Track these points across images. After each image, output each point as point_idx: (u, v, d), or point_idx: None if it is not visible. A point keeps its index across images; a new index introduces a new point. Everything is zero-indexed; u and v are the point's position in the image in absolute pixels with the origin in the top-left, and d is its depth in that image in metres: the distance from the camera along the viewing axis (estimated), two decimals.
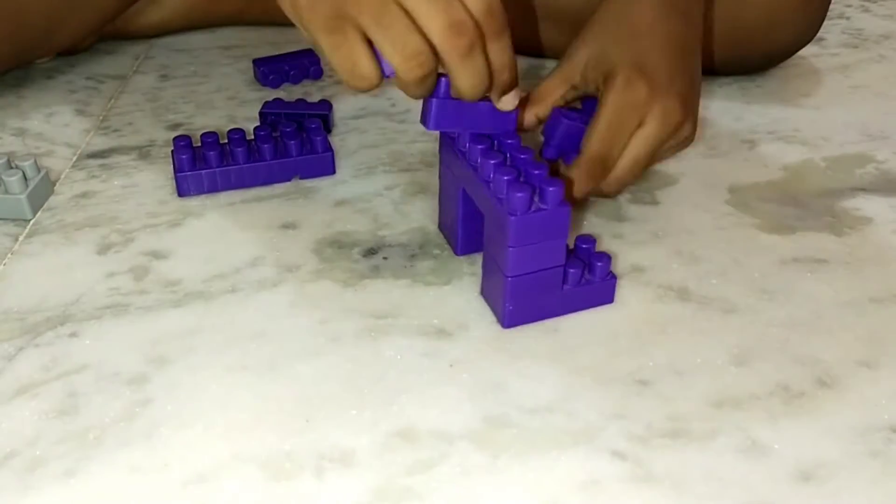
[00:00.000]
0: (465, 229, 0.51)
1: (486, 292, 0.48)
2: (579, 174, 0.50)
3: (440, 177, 0.52)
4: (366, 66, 0.42)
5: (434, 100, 0.45)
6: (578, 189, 0.50)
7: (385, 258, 0.52)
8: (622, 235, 0.54)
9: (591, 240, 0.48)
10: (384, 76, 0.43)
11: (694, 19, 0.55)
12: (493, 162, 0.45)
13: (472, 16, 0.41)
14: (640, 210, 0.57)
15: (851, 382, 0.43)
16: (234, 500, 0.37)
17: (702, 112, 0.70)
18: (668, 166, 0.62)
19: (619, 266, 0.51)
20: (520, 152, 0.46)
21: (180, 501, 0.37)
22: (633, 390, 0.43)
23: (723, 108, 0.71)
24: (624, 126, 0.50)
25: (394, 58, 0.41)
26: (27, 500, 0.37)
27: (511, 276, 0.45)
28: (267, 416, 0.41)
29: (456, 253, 0.52)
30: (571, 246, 0.48)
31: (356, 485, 0.38)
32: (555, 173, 0.51)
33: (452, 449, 0.39)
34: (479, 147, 0.46)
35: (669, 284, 0.50)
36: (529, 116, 0.54)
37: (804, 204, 0.58)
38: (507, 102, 0.46)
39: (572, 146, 0.52)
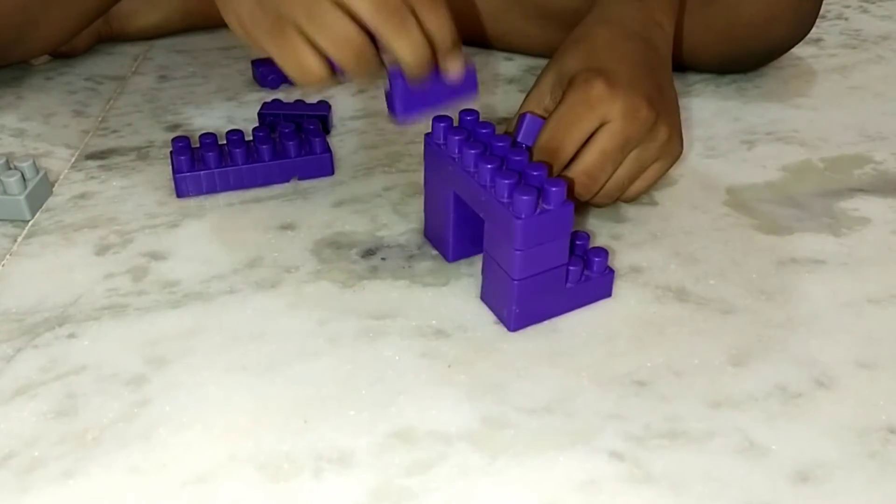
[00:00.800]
0: (457, 236, 0.51)
1: (487, 296, 0.48)
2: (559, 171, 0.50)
3: (425, 184, 0.52)
4: (312, 62, 0.44)
5: (394, 90, 0.46)
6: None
7: (383, 259, 0.52)
8: (621, 236, 0.54)
9: (584, 236, 0.49)
10: (336, 72, 0.45)
11: (656, 46, 0.56)
12: (490, 166, 0.45)
13: None
14: (639, 211, 0.57)
15: (849, 383, 0.43)
16: (232, 500, 0.37)
17: (700, 112, 0.70)
18: None
19: (617, 267, 0.51)
20: (514, 154, 0.46)
21: (179, 502, 0.37)
22: (631, 391, 0.43)
23: (721, 108, 0.71)
24: (578, 119, 0.50)
25: (329, 48, 0.43)
26: (26, 501, 0.37)
27: (518, 280, 0.45)
28: (265, 417, 0.41)
29: (448, 259, 0.52)
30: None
31: (354, 485, 0.38)
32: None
33: (451, 449, 0.39)
34: (473, 152, 0.46)
35: (668, 285, 0.50)
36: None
37: (802, 204, 0.58)
38: (454, 67, 0.47)
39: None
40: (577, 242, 0.49)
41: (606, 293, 0.49)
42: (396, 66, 0.45)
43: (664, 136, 0.52)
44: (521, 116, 0.53)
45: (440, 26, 0.45)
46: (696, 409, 0.42)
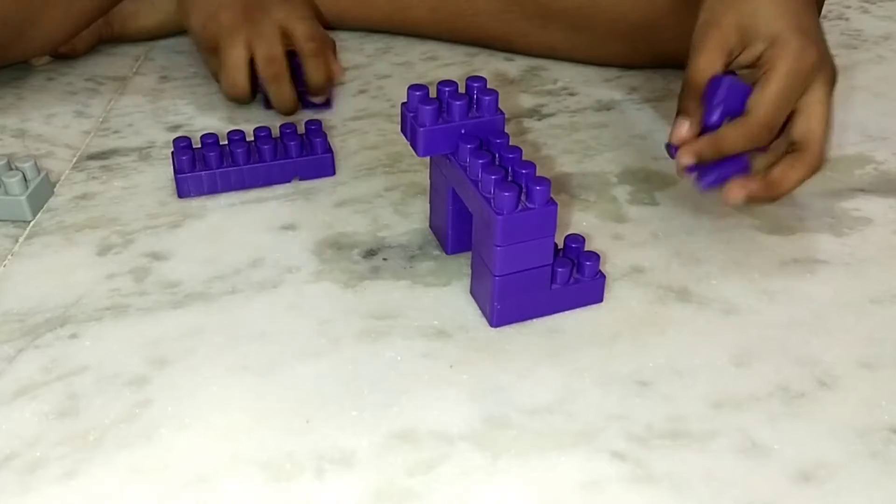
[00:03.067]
0: (454, 229, 0.51)
1: (475, 291, 0.48)
2: (740, 136, 0.48)
3: (431, 177, 0.53)
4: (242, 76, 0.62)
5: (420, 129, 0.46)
6: (736, 146, 0.48)
7: (385, 259, 0.52)
8: (622, 236, 0.54)
9: (580, 238, 0.48)
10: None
11: None
12: (481, 161, 0.45)
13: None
14: (640, 211, 0.57)
15: (851, 383, 0.43)
16: (234, 501, 0.37)
17: None
18: (668, 167, 0.62)
19: (619, 266, 0.51)
20: (508, 152, 0.46)
21: (181, 502, 0.37)
22: (632, 391, 0.43)
23: None
24: (794, 93, 0.48)
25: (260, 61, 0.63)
26: (27, 502, 0.37)
27: (499, 275, 0.45)
28: (267, 417, 0.41)
29: (446, 252, 0.52)
30: (561, 245, 0.49)
31: (356, 486, 0.38)
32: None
33: (452, 450, 0.39)
34: (469, 147, 0.46)
35: (669, 285, 0.50)
36: (699, 114, 0.50)
37: (804, 205, 0.58)
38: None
39: (736, 109, 0.49)
40: (572, 245, 0.48)
41: (597, 298, 0.48)
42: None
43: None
44: (717, 79, 0.49)
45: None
46: (698, 409, 0.42)
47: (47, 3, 0.65)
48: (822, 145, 0.50)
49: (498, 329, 0.47)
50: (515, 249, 0.44)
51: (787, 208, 0.57)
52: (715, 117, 0.49)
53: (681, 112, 0.50)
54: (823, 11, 0.74)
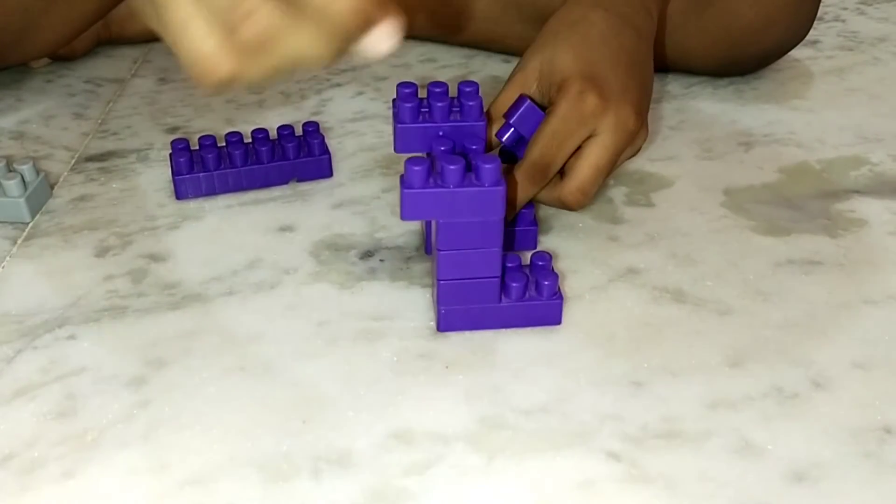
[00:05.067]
0: (430, 231, 0.51)
1: (434, 293, 0.47)
2: (521, 178, 0.50)
3: None
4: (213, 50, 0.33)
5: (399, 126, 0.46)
6: (522, 194, 0.50)
7: (382, 260, 0.52)
8: (618, 237, 0.54)
9: (546, 256, 0.47)
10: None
11: (645, 33, 0.56)
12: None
13: None
14: (636, 212, 0.57)
15: (845, 384, 0.44)
16: (231, 501, 0.37)
17: (697, 114, 0.70)
18: (664, 169, 0.62)
19: (614, 268, 0.52)
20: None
21: (178, 502, 0.37)
22: (627, 391, 0.43)
23: (718, 110, 0.71)
24: (570, 135, 0.50)
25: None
26: (26, 502, 0.37)
27: (441, 280, 0.45)
28: (264, 418, 0.41)
29: (426, 251, 0.52)
30: (527, 261, 0.48)
31: (353, 486, 0.38)
32: (507, 172, 0.50)
33: (448, 450, 0.40)
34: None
35: (665, 286, 0.50)
36: (492, 137, 0.53)
37: (799, 206, 0.58)
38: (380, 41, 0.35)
39: (528, 130, 0.52)
40: (538, 263, 0.47)
41: (553, 320, 0.47)
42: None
43: (641, 140, 0.53)
44: (520, 99, 0.52)
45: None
46: (693, 410, 0.42)
47: (47, 7, 0.65)
48: (581, 181, 0.51)
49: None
50: (459, 256, 0.44)
51: (782, 210, 0.58)
52: (506, 133, 0.53)
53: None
54: (820, 13, 0.75)
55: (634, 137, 0.52)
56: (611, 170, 0.52)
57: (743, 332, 0.47)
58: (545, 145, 0.50)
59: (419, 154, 0.45)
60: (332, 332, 0.47)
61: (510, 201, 0.50)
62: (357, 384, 0.43)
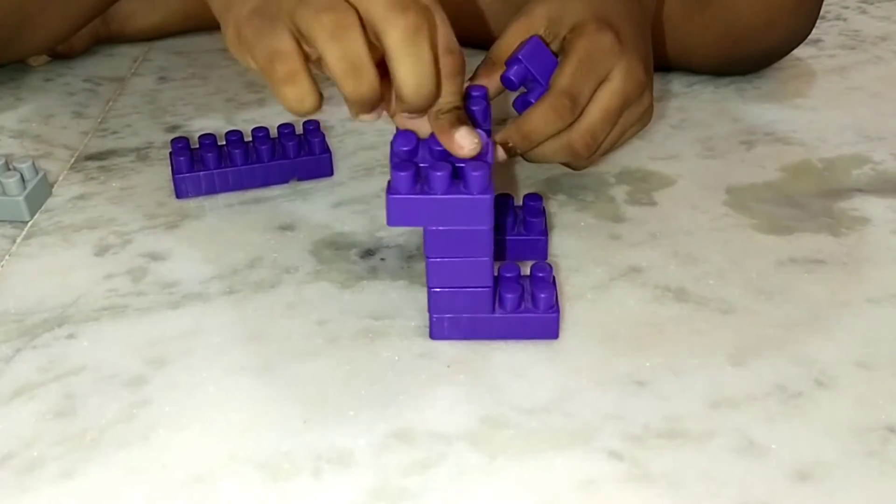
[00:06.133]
0: None
1: (427, 299, 0.46)
2: (546, 110, 0.48)
3: None
4: (282, 41, 0.39)
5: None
6: (545, 127, 0.48)
7: (382, 259, 0.52)
8: (620, 236, 0.54)
9: (546, 268, 0.46)
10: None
11: (648, 10, 0.56)
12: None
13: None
14: (638, 211, 0.57)
15: (848, 382, 0.43)
16: (231, 500, 0.37)
17: (699, 113, 0.70)
18: (666, 167, 0.62)
19: (616, 266, 0.51)
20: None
21: (178, 502, 0.37)
22: (629, 391, 0.43)
23: (720, 109, 0.71)
24: (594, 68, 0.49)
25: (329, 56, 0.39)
26: (25, 501, 0.37)
27: (432, 288, 0.44)
28: (265, 417, 0.41)
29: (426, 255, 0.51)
30: (527, 272, 0.47)
31: (354, 485, 0.38)
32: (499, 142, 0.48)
33: (449, 449, 0.39)
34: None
35: (667, 285, 0.50)
36: (493, 81, 0.50)
37: (801, 205, 0.58)
38: (463, 140, 0.41)
39: (539, 69, 0.50)
40: (538, 274, 0.46)
41: (550, 334, 0.45)
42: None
43: (647, 102, 0.52)
44: (529, 39, 0.50)
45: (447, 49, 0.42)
46: (696, 409, 0.42)
47: (43, 4, 0.65)
48: (591, 123, 0.50)
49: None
50: (448, 265, 0.43)
51: (784, 208, 0.57)
52: (512, 73, 0.50)
53: (472, 79, 0.50)
54: (822, 12, 0.75)
55: (641, 93, 0.51)
56: (617, 119, 0.50)
57: (745, 331, 0.47)
58: (574, 73, 0.48)
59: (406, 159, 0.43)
60: (333, 332, 0.46)
61: (527, 134, 0.48)
62: (358, 383, 0.43)
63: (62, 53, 0.77)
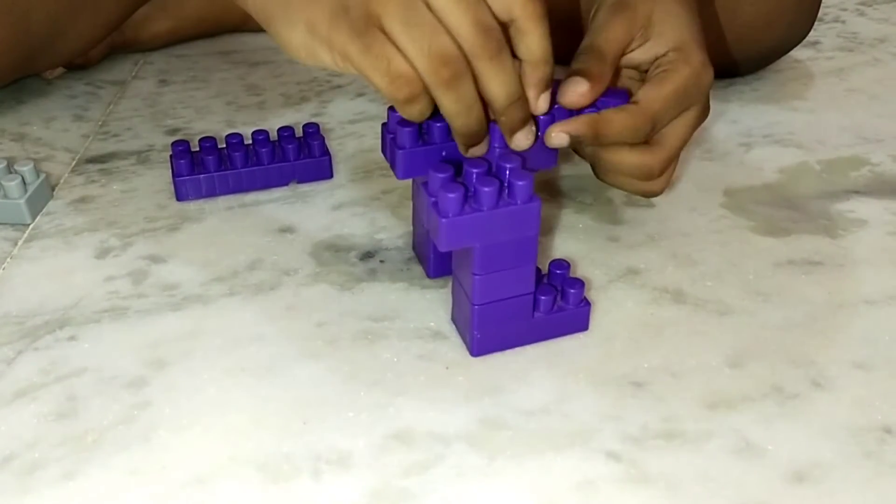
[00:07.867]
0: (436, 252, 0.49)
1: (456, 318, 0.47)
2: (626, 119, 0.45)
3: (413, 196, 0.51)
4: (401, 63, 0.39)
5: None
6: (618, 132, 0.45)
7: (382, 261, 0.52)
8: (618, 238, 0.55)
9: (565, 265, 0.46)
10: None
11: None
12: (441, 175, 0.41)
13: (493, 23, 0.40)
14: (636, 212, 0.57)
15: (845, 384, 0.44)
16: (231, 501, 0.37)
17: None
18: None
19: (614, 268, 0.52)
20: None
21: (178, 503, 0.37)
22: (628, 392, 0.43)
23: (718, 111, 0.71)
24: (684, 102, 0.47)
25: (418, 58, 0.39)
26: (26, 503, 0.37)
27: (477, 304, 0.43)
28: (264, 419, 0.41)
29: (428, 275, 0.51)
30: (545, 270, 0.47)
31: (353, 486, 0.38)
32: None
33: (448, 451, 0.40)
34: (440, 175, 0.41)
35: (665, 287, 0.50)
36: (606, 81, 0.46)
37: (799, 206, 0.58)
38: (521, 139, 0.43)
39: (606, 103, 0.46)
40: (557, 271, 0.46)
41: (582, 326, 0.46)
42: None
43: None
44: (619, 92, 0.47)
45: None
46: (693, 410, 0.42)
47: (74, 13, 0.65)
48: (670, 151, 0.49)
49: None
50: (495, 277, 0.42)
51: (782, 210, 0.58)
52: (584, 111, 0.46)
53: (582, 73, 0.45)
54: (820, 14, 0.75)
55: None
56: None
57: (743, 333, 0.47)
58: (666, 101, 0.46)
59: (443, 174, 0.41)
60: (333, 333, 0.47)
61: (599, 132, 0.45)
62: (357, 385, 0.43)
63: (79, 64, 0.77)
